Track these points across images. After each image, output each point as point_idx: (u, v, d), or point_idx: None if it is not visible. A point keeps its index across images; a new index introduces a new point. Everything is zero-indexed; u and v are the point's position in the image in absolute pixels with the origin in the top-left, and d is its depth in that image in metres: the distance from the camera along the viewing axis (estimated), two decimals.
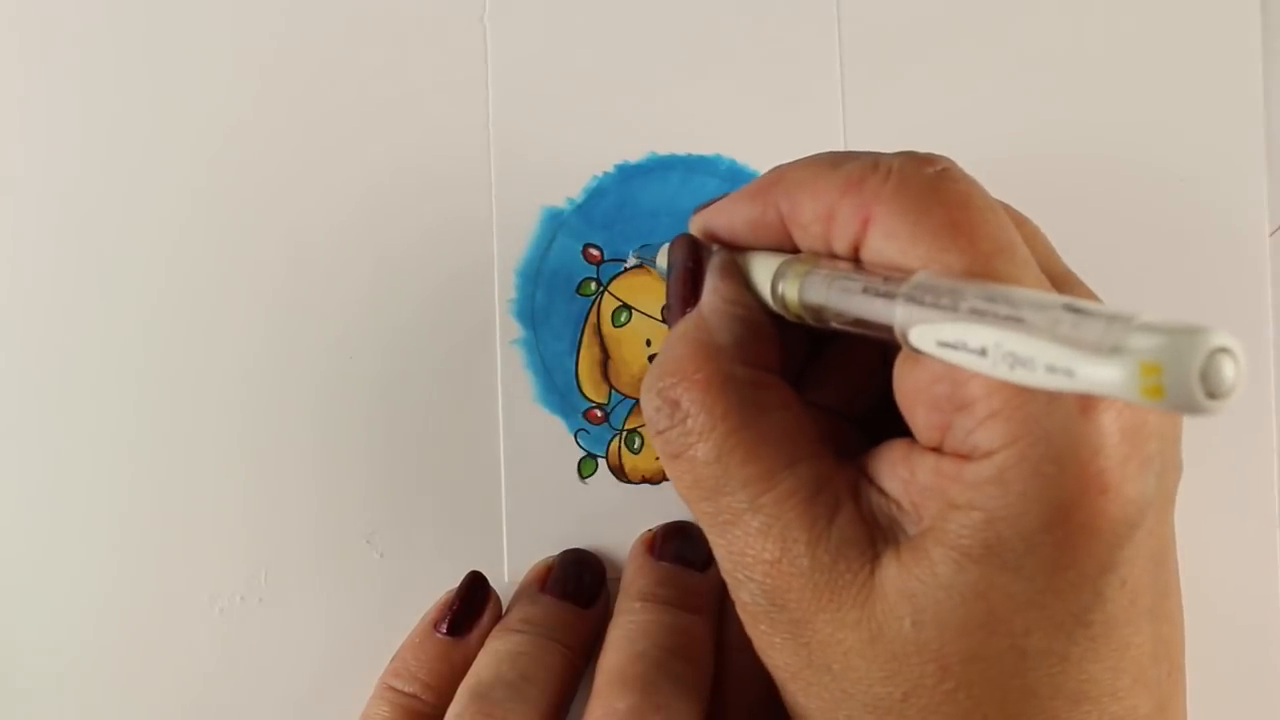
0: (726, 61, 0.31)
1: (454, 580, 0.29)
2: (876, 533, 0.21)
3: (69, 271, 0.30)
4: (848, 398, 0.24)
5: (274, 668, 0.30)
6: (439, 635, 0.28)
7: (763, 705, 0.26)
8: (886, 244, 0.20)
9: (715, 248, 0.24)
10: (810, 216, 0.22)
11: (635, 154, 0.30)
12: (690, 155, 0.31)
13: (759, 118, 0.31)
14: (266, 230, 0.30)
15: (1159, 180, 0.31)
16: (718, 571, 0.29)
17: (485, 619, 0.29)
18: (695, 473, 0.22)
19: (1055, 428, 0.19)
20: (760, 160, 0.30)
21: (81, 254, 0.30)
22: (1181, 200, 0.31)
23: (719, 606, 0.28)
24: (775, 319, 0.23)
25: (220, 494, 0.30)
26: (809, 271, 0.21)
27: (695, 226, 0.25)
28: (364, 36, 0.30)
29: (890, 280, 0.19)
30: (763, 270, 0.23)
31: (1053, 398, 0.19)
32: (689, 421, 0.22)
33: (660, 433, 0.23)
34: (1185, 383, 0.14)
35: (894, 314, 0.19)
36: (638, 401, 0.30)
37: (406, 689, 0.28)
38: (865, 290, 0.20)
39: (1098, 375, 0.14)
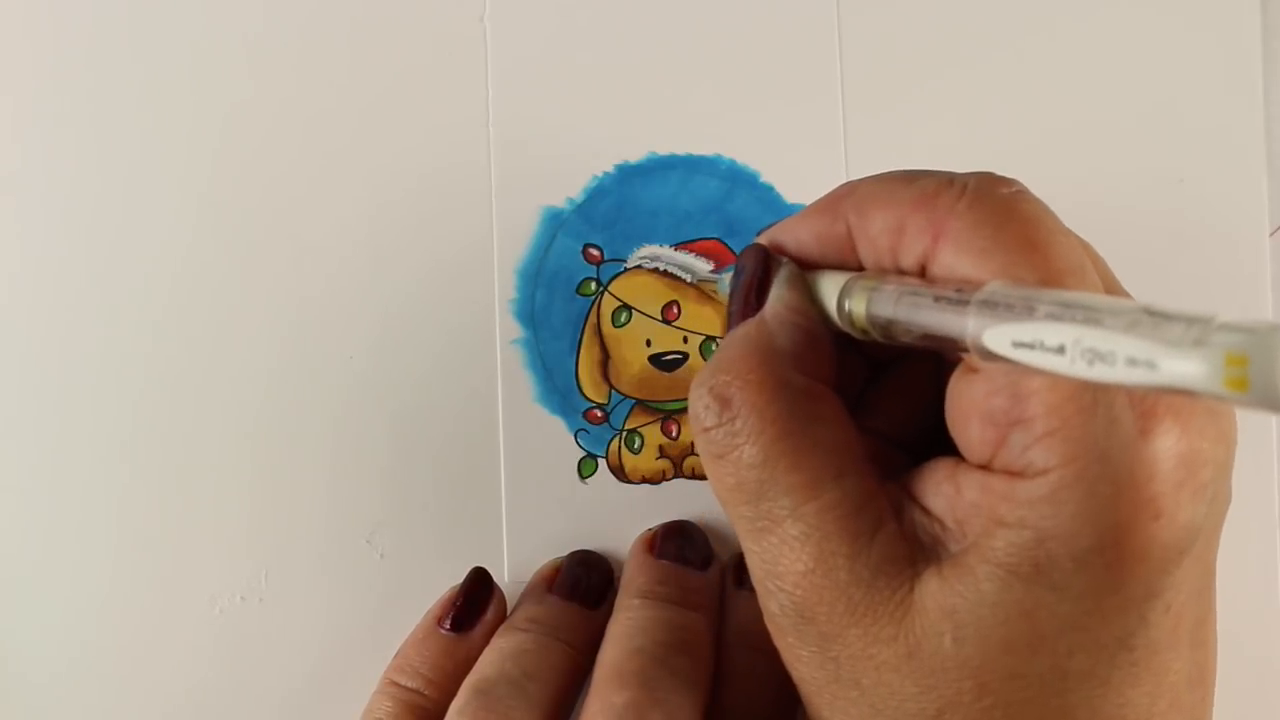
0: (726, 61, 0.31)
1: (454, 580, 0.29)
2: (918, 551, 0.21)
3: (72, 271, 0.30)
4: (896, 423, 0.24)
5: (274, 668, 0.30)
6: (442, 631, 0.28)
7: (762, 704, 0.27)
8: (958, 259, 0.20)
9: (784, 260, 0.24)
10: (879, 229, 0.22)
11: (635, 154, 0.30)
12: (690, 155, 0.31)
13: (759, 118, 0.31)
14: (267, 231, 0.30)
15: (1159, 180, 0.31)
16: (717, 570, 0.29)
17: (489, 615, 0.29)
18: (739, 475, 0.22)
19: (1114, 449, 0.19)
20: (760, 160, 0.31)
21: (85, 255, 0.30)
22: (1181, 200, 0.31)
23: (718, 605, 0.28)
24: (835, 338, 0.23)
25: (221, 494, 0.30)
26: (876, 286, 0.21)
27: (763, 241, 0.25)
28: (364, 36, 0.30)
29: (961, 292, 0.19)
30: (829, 287, 0.23)
31: (1113, 420, 0.19)
32: (737, 422, 0.22)
33: (706, 430, 0.22)
34: (1270, 375, 0.14)
35: (965, 324, 0.19)
36: (638, 402, 0.30)
37: (409, 684, 0.28)
38: (936, 301, 0.19)
39: (1181, 368, 0.14)
